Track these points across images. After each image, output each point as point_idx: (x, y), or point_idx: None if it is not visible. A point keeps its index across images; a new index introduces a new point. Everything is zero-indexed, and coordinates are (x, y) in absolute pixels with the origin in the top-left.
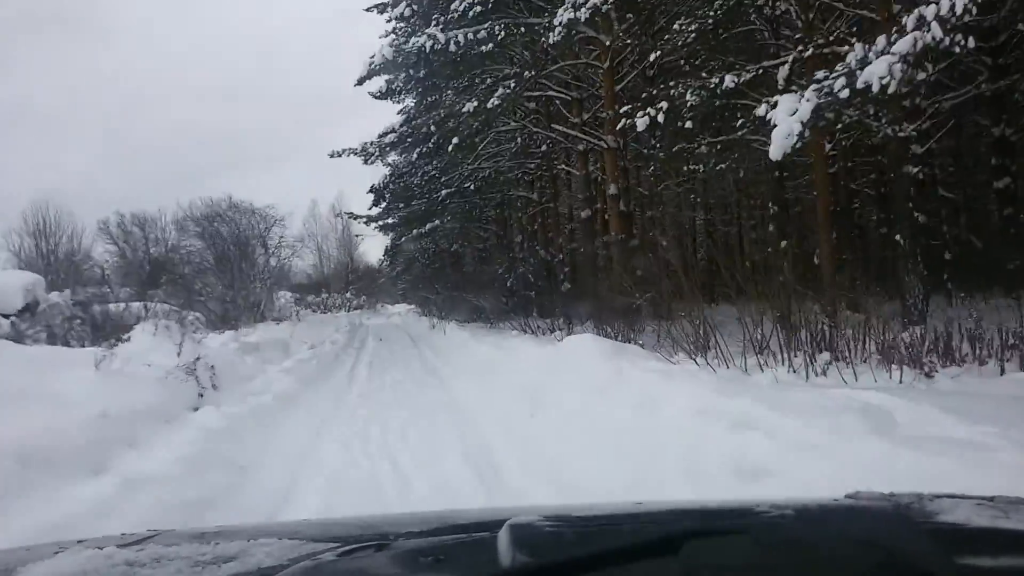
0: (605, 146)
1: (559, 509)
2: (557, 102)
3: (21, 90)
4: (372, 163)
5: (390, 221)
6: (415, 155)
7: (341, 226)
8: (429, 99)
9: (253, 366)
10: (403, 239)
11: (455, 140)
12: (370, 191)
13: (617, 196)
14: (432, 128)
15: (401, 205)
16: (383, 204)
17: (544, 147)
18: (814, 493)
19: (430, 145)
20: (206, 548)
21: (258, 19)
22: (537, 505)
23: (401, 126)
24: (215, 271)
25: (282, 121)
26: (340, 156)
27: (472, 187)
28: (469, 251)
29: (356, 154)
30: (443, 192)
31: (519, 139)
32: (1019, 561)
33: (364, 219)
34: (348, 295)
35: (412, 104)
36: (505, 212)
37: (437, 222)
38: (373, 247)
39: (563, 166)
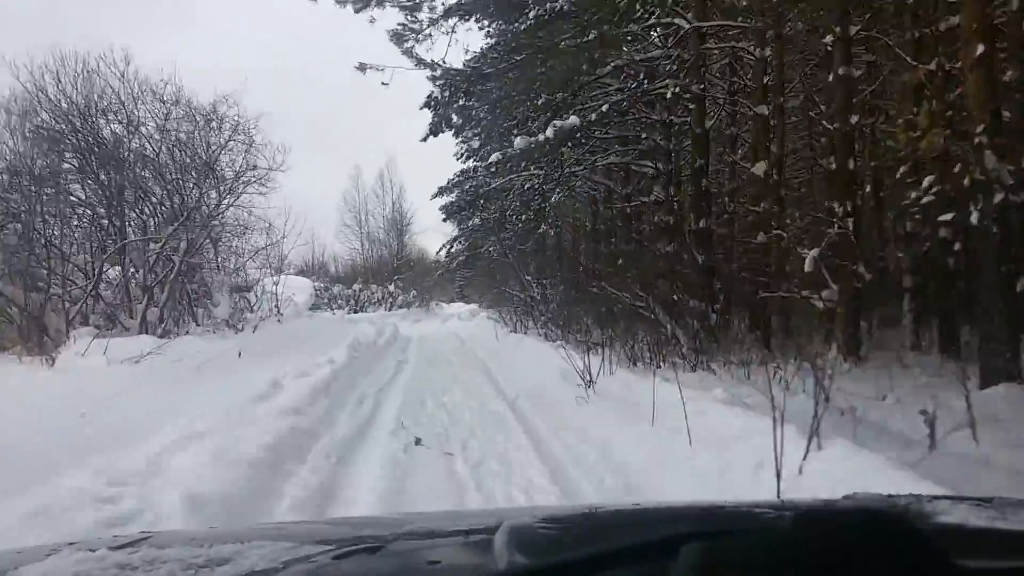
0: None
1: (556, 511)
2: None
3: None
4: None
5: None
6: None
7: (391, 200)
8: None
9: None
10: (493, 165)
11: None
12: (426, 105)
13: None
14: None
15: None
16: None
17: None
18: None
19: None
20: (199, 550)
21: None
22: (534, 507)
23: None
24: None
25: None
26: None
27: None
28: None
29: None
30: None
31: None
32: (1017, 562)
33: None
34: (392, 288)
35: None
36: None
37: (576, 118)
38: (427, 229)
39: None
